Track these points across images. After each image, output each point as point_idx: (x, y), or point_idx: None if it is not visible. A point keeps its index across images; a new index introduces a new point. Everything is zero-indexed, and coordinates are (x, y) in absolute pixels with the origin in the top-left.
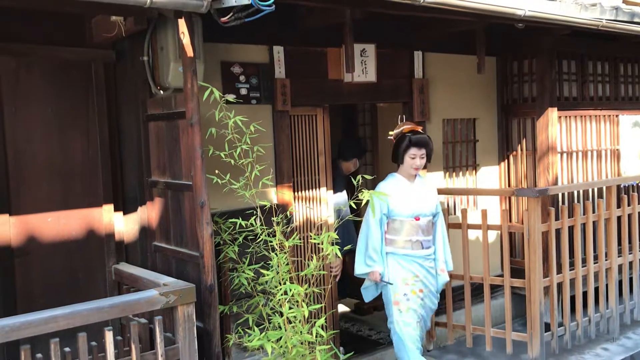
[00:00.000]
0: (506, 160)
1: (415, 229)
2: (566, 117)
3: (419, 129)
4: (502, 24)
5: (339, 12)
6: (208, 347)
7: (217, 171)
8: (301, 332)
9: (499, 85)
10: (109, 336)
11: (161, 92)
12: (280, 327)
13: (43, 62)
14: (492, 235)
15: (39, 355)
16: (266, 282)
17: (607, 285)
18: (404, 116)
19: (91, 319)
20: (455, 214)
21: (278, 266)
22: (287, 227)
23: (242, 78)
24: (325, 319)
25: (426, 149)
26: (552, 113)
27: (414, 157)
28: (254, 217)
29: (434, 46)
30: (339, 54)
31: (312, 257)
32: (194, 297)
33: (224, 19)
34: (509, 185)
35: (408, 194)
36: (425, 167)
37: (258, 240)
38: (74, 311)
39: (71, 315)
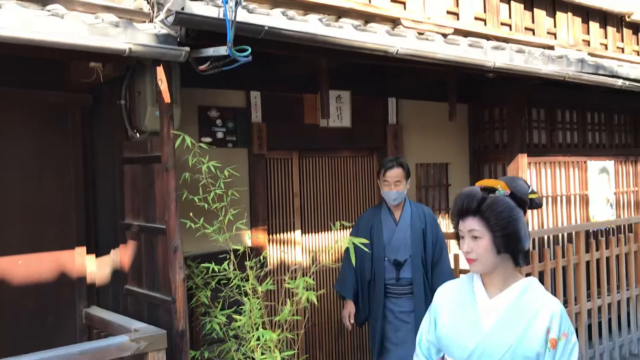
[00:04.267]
0: None
1: None
2: (536, 163)
3: (498, 184)
4: (473, 73)
5: (315, 62)
6: None
7: (191, 214)
8: None
9: (470, 131)
10: None
11: (137, 135)
12: None
13: (19, 105)
14: None
15: None
16: (238, 327)
17: (576, 329)
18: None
19: None
20: None
21: (251, 311)
22: (260, 271)
23: (218, 122)
24: None
25: (485, 220)
26: (523, 159)
27: (462, 234)
28: (227, 261)
29: (408, 93)
30: (315, 100)
31: (286, 301)
32: (165, 343)
33: (202, 68)
34: None
35: (477, 314)
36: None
37: (231, 284)
38: (41, 358)
39: None
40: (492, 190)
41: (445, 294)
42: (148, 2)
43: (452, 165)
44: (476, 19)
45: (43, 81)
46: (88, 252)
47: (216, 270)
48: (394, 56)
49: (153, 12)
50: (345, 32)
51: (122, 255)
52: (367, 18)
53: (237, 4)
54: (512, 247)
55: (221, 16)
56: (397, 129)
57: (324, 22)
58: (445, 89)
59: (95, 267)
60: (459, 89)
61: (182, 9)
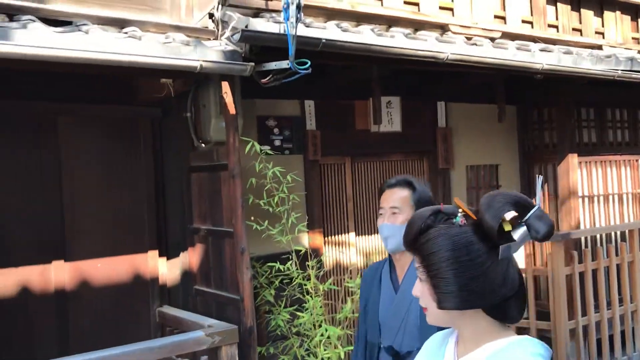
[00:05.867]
0: None
1: None
2: (586, 162)
3: (461, 207)
4: (521, 75)
5: (366, 70)
6: None
7: (252, 218)
8: None
9: (519, 132)
10: None
11: (203, 145)
12: None
13: (96, 120)
14: None
15: None
16: (300, 324)
17: (633, 328)
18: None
19: (142, 358)
20: None
21: (313, 309)
22: (319, 271)
23: (276, 130)
24: None
25: (422, 258)
26: (573, 159)
27: None
28: (290, 261)
29: (457, 96)
30: (366, 106)
31: (345, 300)
32: (237, 337)
33: (264, 80)
34: None
35: None
36: None
37: (293, 283)
38: (127, 351)
39: (125, 354)
40: (452, 215)
41: (425, 347)
42: (213, 21)
43: (502, 166)
44: (523, 21)
45: (117, 97)
46: (160, 255)
47: (280, 269)
48: (444, 62)
49: (218, 30)
50: (396, 41)
51: (191, 257)
52: (417, 26)
53: (297, 20)
54: (458, 303)
55: (282, 31)
56: (447, 132)
57: (376, 32)
58: (493, 91)
59: (166, 269)
60: (508, 91)
61: (246, 26)
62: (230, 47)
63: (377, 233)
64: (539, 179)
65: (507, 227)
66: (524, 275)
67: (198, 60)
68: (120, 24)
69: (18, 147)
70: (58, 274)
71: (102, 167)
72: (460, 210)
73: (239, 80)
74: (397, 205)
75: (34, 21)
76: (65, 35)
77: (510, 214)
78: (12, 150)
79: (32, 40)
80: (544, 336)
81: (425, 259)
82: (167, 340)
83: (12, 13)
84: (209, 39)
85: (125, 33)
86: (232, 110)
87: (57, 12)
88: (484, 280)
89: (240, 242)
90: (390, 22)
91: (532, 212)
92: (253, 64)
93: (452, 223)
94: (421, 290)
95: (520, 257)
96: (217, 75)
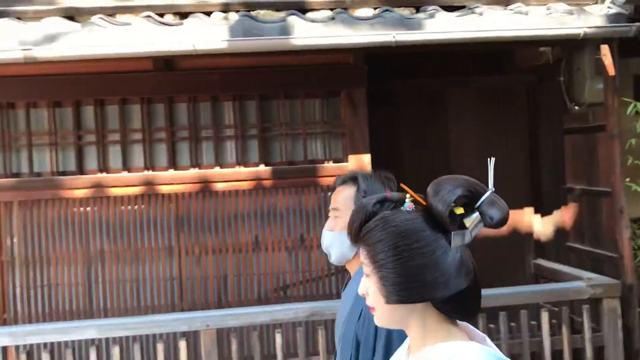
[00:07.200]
0: None
1: None
2: None
3: (408, 193)
4: None
5: None
6: (628, 341)
7: (628, 179)
8: None
9: None
10: (544, 316)
11: (576, 107)
12: None
13: (477, 89)
14: None
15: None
16: None
17: None
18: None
19: (528, 299)
20: None
21: None
22: None
23: None
24: None
25: (367, 250)
26: None
27: None
28: None
29: None
30: None
31: None
32: (619, 292)
33: None
34: None
35: None
36: None
37: None
38: (516, 292)
39: (514, 294)
40: (400, 201)
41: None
42: None
43: None
44: None
45: (495, 67)
46: (535, 212)
47: None
48: None
49: None
50: None
51: (564, 215)
52: None
53: None
54: (408, 295)
55: None
56: None
57: None
58: None
59: (540, 225)
60: None
61: None
62: (613, 10)
63: None
64: (491, 161)
65: (459, 211)
66: None
67: (581, 27)
68: (505, 1)
69: (417, 121)
70: None
71: (483, 131)
72: (408, 195)
73: (616, 41)
74: (338, 207)
75: (438, 11)
76: (463, 18)
77: (460, 200)
78: (413, 123)
79: (438, 27)
80: None
81: (371, 249)
82: (550, 286)
83: (417, 5)
84: (588, 4)
85: (511, 10)
86: (611, 71)
87: None
88: (435, 270)
89: (619, 202)
90: None
91: (484, 197)
92: (638, 24)
93: (400, 210)
94: (367, 286)
95: None
96: (594, 39)
